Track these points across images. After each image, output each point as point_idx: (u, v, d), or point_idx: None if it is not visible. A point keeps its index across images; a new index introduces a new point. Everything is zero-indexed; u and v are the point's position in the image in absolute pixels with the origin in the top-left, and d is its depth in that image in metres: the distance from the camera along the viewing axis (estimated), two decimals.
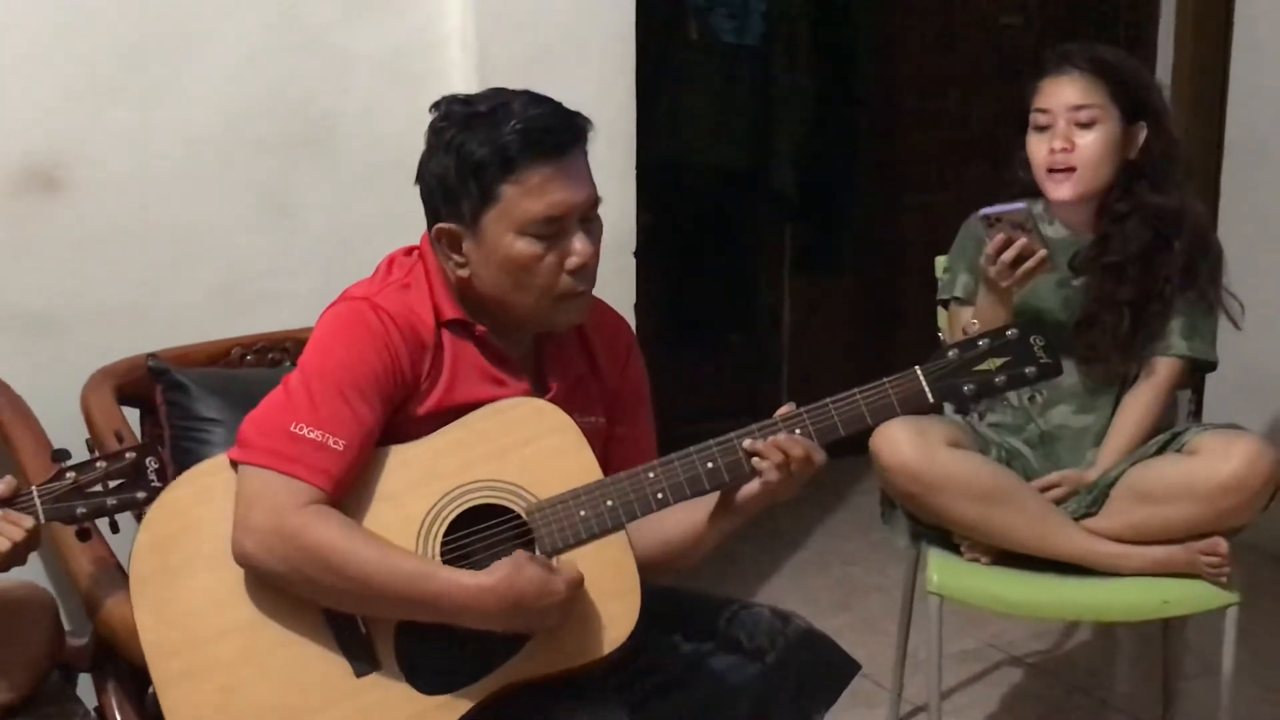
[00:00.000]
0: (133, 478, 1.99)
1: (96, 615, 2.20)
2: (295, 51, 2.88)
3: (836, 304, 4.86)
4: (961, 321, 2.86)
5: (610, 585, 1.98)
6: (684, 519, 2.08)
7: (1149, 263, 2.76)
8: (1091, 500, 2.72)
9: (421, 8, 2.99)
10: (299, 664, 1.93)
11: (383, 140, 2.97)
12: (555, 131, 1.98)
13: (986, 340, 2.02)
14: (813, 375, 4.85)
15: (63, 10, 2.69)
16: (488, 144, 1.95)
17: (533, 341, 2.13)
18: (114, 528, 2.03)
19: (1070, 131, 2.75)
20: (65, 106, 2.72)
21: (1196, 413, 3.15)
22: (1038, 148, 2.79)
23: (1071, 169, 2.75)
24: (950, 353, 2.02)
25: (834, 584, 3.96)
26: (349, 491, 1.94)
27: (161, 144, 2.80)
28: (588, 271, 2.03)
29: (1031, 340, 2.02)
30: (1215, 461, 2.60)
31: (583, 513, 1.97)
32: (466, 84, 2.96)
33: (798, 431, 1.99)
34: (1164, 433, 2.78)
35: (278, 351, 2.70)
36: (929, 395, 2.01)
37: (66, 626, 2.24)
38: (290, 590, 1.92)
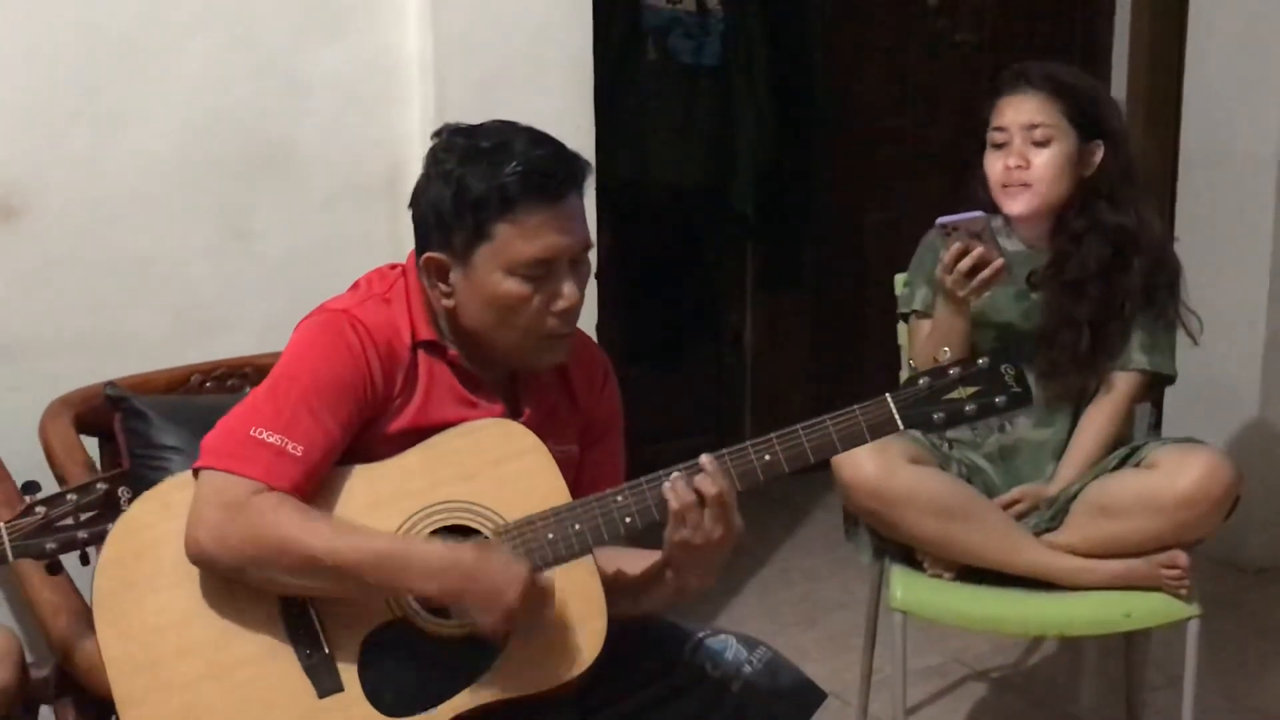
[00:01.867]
0: (104, 509, 1.97)
1: (60, 649, 2.18)
2: (252, 75, 2.87)
3: (799, 321, 4.87)
4: (922, 335, 2.88)
5: (576, 610, 1.98)
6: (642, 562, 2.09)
7: (1108, 281, 2.78)
8: (1052, 515, 2.74)
9: (379, 31, 2.98)
10: (262, 683, 1.92)
11: (341, 164, 2.96)
12: (555, 176, 1.97)
13: (958, 369, 2.02)
14: (776, 393, 4.85)
15: (17, 36, 2.67)
16: (487, 181, 1.95)
17: (508, 369, 2.12)
18: (84, 560, 2.01)
19: (1025, 149, 2.78)
20: (20, 132, 2.70)
21: (1156, 426, 3.17)
22: (994, 165, 2.82)
23: (1026, 185, 2.77)
24: (921, 380, 2.03)
25: (798, 600, 3.96)
26: (307, 498, 1.93)
27: (118, 169, 2.78)
28: (572, 314, 2.03)
29: (1003, 370, 2.02)
30: (1174, 475, 2.62)
31: (550, 535, 1.97)
32: (425, 107, 2.96)
33: (767, 457, 1.98)
34: (1123, 446, 2.80)
35: (237, 378, 2.68)
36: (899, 423, 2.01)
37: (29, 658, 2.22)
38: (247, 583, 1.90)
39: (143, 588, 1.94)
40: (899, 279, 3.03)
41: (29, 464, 2.31)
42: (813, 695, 2.14)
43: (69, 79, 2.72)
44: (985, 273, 2.65)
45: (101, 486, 1.98)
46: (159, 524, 1.96)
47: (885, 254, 4.63)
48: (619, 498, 1.98)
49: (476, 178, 1.95)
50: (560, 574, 1.97)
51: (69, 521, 1.95)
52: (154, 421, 2.46)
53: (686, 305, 4.57)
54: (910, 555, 2.80)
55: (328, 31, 2.93)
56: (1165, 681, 3.24)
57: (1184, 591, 2.67)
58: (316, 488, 1.95)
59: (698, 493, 1.93)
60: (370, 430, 2.01)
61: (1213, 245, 3.87)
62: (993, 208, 2.84)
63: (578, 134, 3.04)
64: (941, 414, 2.01)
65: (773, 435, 1.99)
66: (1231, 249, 4.00)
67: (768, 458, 1.98)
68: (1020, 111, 2.79)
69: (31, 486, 1.98)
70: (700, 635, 2.14)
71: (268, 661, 1.93)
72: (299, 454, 1.91)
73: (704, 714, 2.07)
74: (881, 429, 2.02)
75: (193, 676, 1.92)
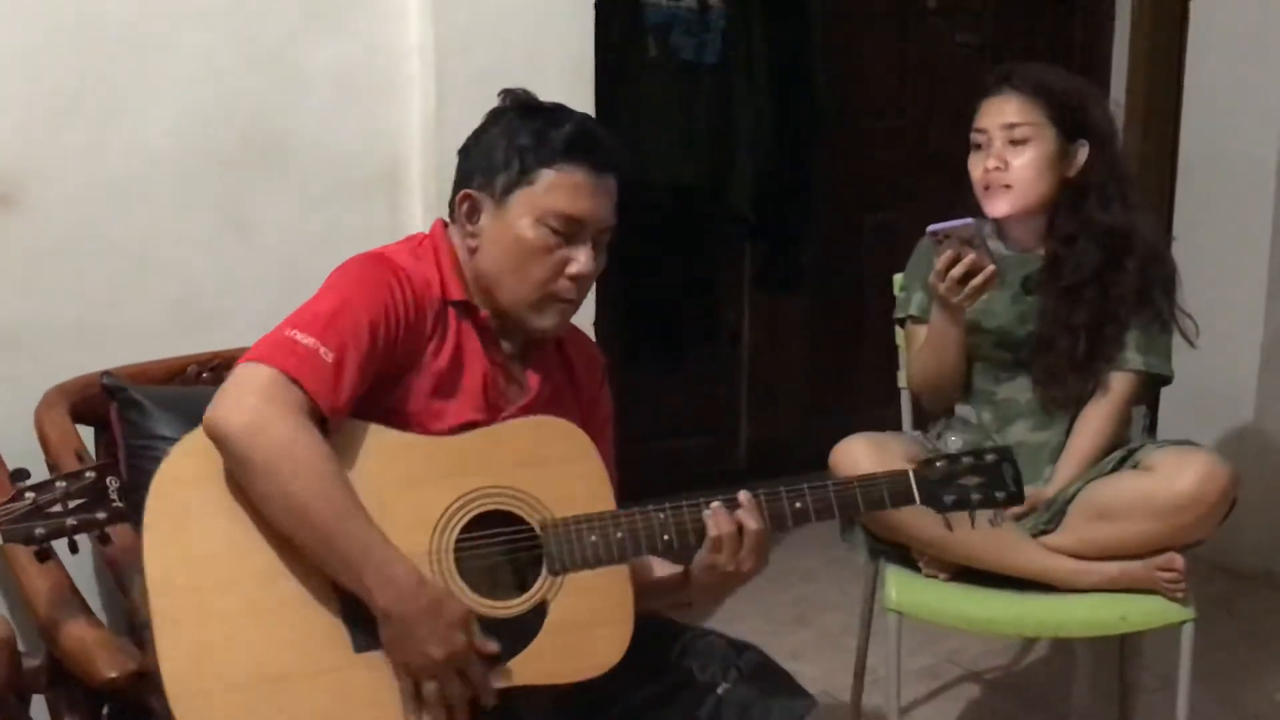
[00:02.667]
0: (93, 498, 1.97)
1: (53, 638, 2.18)
2: (252, 68, 2.87)
3: (796, 322, 4.87)
4: (918, 340, 2.88)
5: (607, 612, 2.03)
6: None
7: (1103, 284, 2.78)
8: (1049, 517, 2.74)
9: (380, 24, 2.98)
10: (300, 626, 1.92)
11: (340, 156, 2.96)
12: (602, 147, 2.12)
13: (970, 459, 2.21)
14: (773, 393, 4.85)
15: (16, 27, 2.66)
16: (541, 131, 2.08)
17: (523, 344, 2.18)
18: (73, 548, 2.01)
19: (1004, 150, 2.78)
20: (20, 123, 2.69)
21: (1151, 428, 3.17)
22: (975, 167, 2.83)
23: (1007, 186, 2.78)
24: (938, 464, 2.19)
25: (793, 601, 3.96)
26: (339, 421, 1.95)
27: (117, 161, 2.77)
28: (583, 284, 2.12)
29: (1004, 468, 2.20)
30: (1171, 477, 2.62)
31: (593, 538, 2.03)
32: (425, 101, 2.96)
33: (798, 505, 2.10)
34: (1120, 449, 2.79)
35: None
36: (916, 498, 2.17)
37: (21, 648, 2.22)
38: (246, 481, 1.90)
39: (195, 513, 1.94)
40: (898, 279, 3.03)
41: (25, 452, 2.30)
42: (802, 699, 2.14)
43: (68, 70, 2.72)
44: (977, 280, 2.65)
45: (90, 475, 1.97)
46: (218, 455, 1.95)
47: (884, 255, 4.62)
48: (661, 515, 2.06)
49: (533, 127, 2.08)
50: (596, 576, 2.03)
51: (58, 509, 1.94)
52: (150, 412, 2.46)
53: (684, 304, 4.57)
54: (906, 555, 2.80)
55: (328, 24, 2.93)
56: (1158, 684, 3.24)
57: (1180, 594, 2.67)
58: (344, 406, 1.95)
59: (739, 525, 2.05)
60: (406, 376, 2.05)
61: (1211, 247, 3.87)
62: (983, 212, 2.84)
63: None
64: (952, 497, 2.19)
65: (804, 486, 2.11)
66: (1230, 251, 4.00)
67: (799, 505, 2.10)
68: (999, 113, 2.79)
69: (20, 474, 1.98)
70: (688, 636, 2.18)
71: (310, 607, 1.93)
72: (330, 359, 1.93)
73: (691, 717, 2.09)
74: (900, 499, 2.18)
75: (232, 610, 1.91)
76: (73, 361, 2.62)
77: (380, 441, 1.99)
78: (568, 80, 3.04)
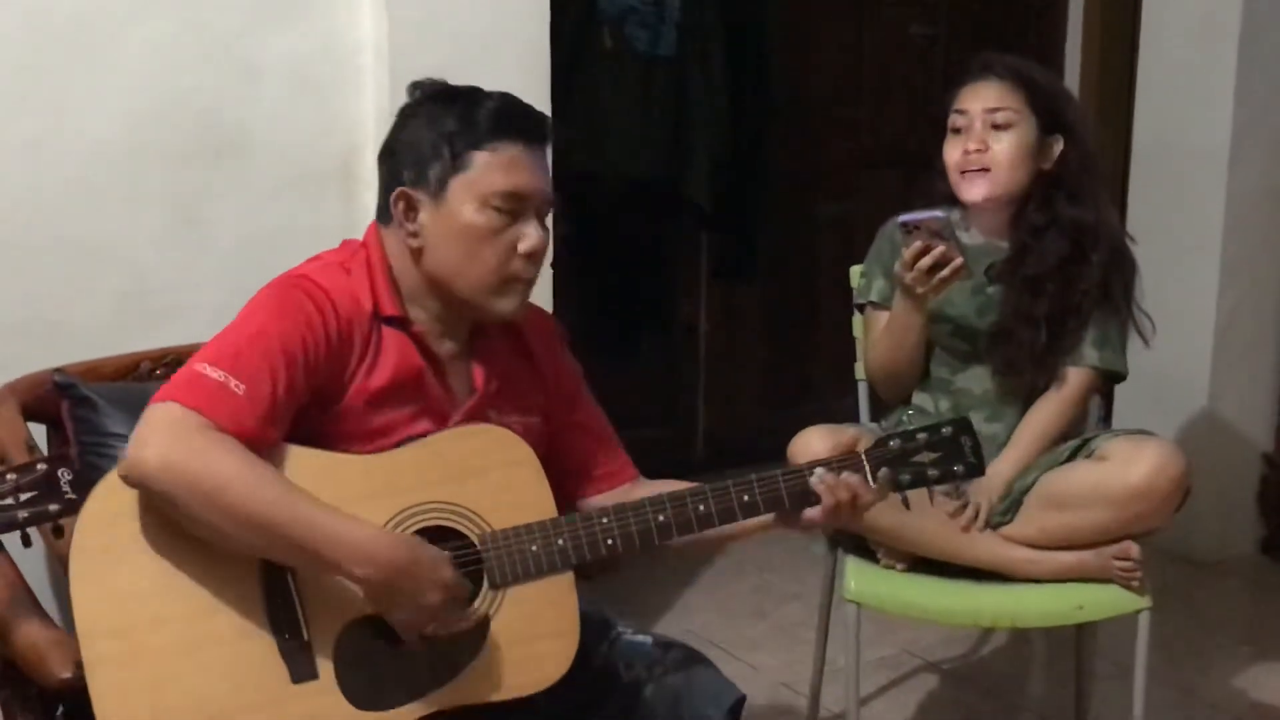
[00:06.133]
0: (45, 490, 1.94)
1: (4, 637, 2.15)
2: (202, 60, 2.84)
3: (753, 312, 4.88)
4: (878, 326, 2.88)
5: (550, 624, 2.00)
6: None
7: (1066, 276, 2.79)
8: (1005, 507, 2.74)
9: (333, 16, 2.96)
10: (236, 662, 1.90)
11: (293, 150, 2.94)
12: (530, 118, 2.08)
13: (925, 434, 2.16)
14: (730, 383, 4.86)
15: None
16: (466, 114, 2.03)
17: (466, 340, 2.13)
18: (25, 541, 1.99)
19: (985, 133, 2.78)
20: None
21: (1106, 418, 3.19)
22: (952, 150, 2.82)
23: (985, 170, 2.78)
24: (892, 443, 2.14)
25: (751, 591, 3.96)
26: (262, 445, 1.90)
27: (65, 155, 2.75)
28: (536, 261, 2.08)
29: (962, 440, 2.17)
30: (1125, 466, 2.64)
31: (534, 548, 2.00)
32: (379, 94, 2.94)
33: (746, 498, 2.07)
34: (1075, 438, 2.81)
35: None
36: (870, 479, 2.12)
37: None
38: (181, 514, 1.86)
39: (121, 551, 1.90)
40: (855, 270, 3.03)
41: None
42: (729, 695, 2.10)
43: (14, 63, 2.69)
44: (945, 272, 2.65)
45: (42, 467, 1.95)
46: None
47: (839, 245, 4.66)
48: (604, 519, 2.03)
49: (456, 112, 2.04)
50: (540, 587, 2.00)
51: (9, 501, 1.92)
52: (102, 409, 2.43)
53: (641, 296, 4.56)
54: (864, 546, 2.81)
55: (281, 16, 2.90)
56: (1114, 672, 3.26)
57: (1135, 583, 2.68)
58: (262, 436, 1.91)
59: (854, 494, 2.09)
60: (335, 399, 2.01)
61: (1164, 238, 3.88)
62: (952, 200, 2.85)
63: None
64: (908, 476, 2.15)
65: (753, 477, 2.08)
66: (1182, 242, 4.03)
67: (746, 499, 2.07)
68: (983, 97, 2.79)
69: None
70: (615, 633, 2.16)
71: (244, 641, 1.90)
72: (240, 392, 1.89)
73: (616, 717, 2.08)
74: None
75: (165, 647, 1.88)
76: (22, 359, 2.59)
77: (309, 464, 1.95)
78: (523, 72, 3.03)
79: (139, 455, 1.85)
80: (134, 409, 2.38)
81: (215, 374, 1.89)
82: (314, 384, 1.98)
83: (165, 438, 1.85)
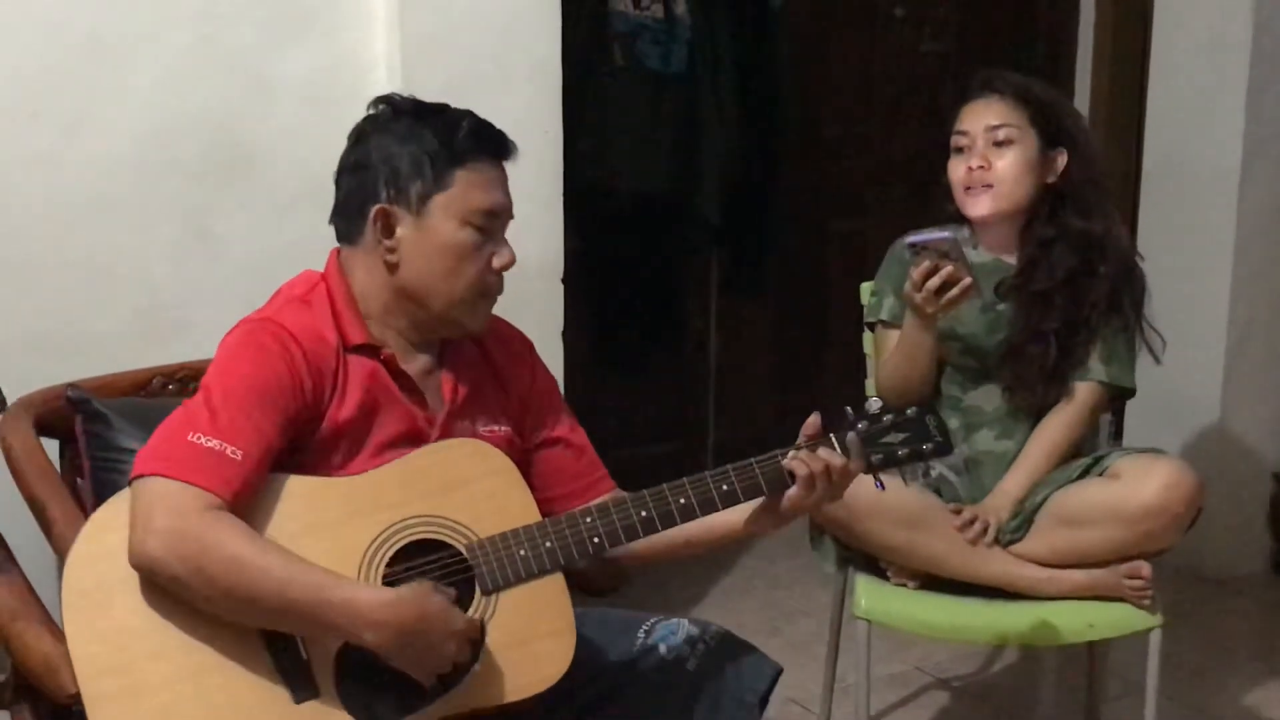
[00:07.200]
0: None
1: (15, 651, 2.15)
2: (215, 76, 2.85)
3: (763, 328, 4.87)
4: (889, 345, 2.88)
5: (546, 625, 2.02)
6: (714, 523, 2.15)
7: (1075, 290, 2.79)
8: (1017, 525, 2.74)
9: (346, 32, 2.97)
10: (237, 687, 1.90)
11: (305, 165, 2.93)
12: (501, 140, 2.13)
13: (890, 416, 2.16)
14: (740, 399, 4.85)
15: None
16: (447, 134, 2.06)
17: (435, 357, 2.15)
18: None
19: (988, 151, 2.79)
20: None
21: (1118, 434, 3.18)
22: (956, 168, 2.83)
23: (988, 186, 2.79)
24: (859, 425, 2.14)
25: (761, 608, 3.96)
26: (248, 503, 1.92)
27: (80, 170, 2.76)
28: (505, 274, 2.12)
29: (927, 420, 2.16)
30: (1137, 485, 2.63)
31: (522, 552, 2.02)
32: None
33: (725, 487, 2.08)
34: (1086, 456, 2.80)
35: (199, 380, 2.65)
36: (840, 450, 2.11)
37: None
38: (187, 596, 1.88)
39: (114, 587, 1.91)
40: (865, 288, 3.03)
41: None
42: (766, 667, 2.16)
43: (29, 79, 2.70)
44: (953, 292, 2.64)
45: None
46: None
47: (850, 262, 4.66)
48: (588, 519, 2.05)
49: (435, 131, 2.07)
50: (531, 589, 2.02)
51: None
52: (115, 424, 2.43)
53: (651, 311, 4.57)
54: (874, 564, 2.81)
55: (294, 32, 2.91)
56: (1125, 690, 3.26)
57: (1147, 602, 2.68)
58: (257, 491, 1.93)
59: (826, 465, 2.07)
60: (305, 432, 2.01)
61: (1175, 256, 3.89)
62: (960, 219, 2.85)
63: (546, 137, 3.05)
64: (879, 456, 2.14)
65: (728, 467, 2.09)
66: (1194, 259, 4.03)
67: (725, 488, 2.08)
68: (983, 115, 2.81)
69: None
70: (652, 620, 2.19)
71: (243, 666, 1.91)
72: (238, 458, 1.90)
73: (660, 694, 2.10)
74: None
75: (166, 679, 1.89)
76: (35, 374, 2.59)
77: (292, 489, 1.97)
78: (534, 88, 3.04)
79: (143, 545, 1.86)
80: (147, 424, 2.39)
81: (210, 443, 1.90)
82: (296, 425, 2.00)
83: (167, 523, 1.86)
